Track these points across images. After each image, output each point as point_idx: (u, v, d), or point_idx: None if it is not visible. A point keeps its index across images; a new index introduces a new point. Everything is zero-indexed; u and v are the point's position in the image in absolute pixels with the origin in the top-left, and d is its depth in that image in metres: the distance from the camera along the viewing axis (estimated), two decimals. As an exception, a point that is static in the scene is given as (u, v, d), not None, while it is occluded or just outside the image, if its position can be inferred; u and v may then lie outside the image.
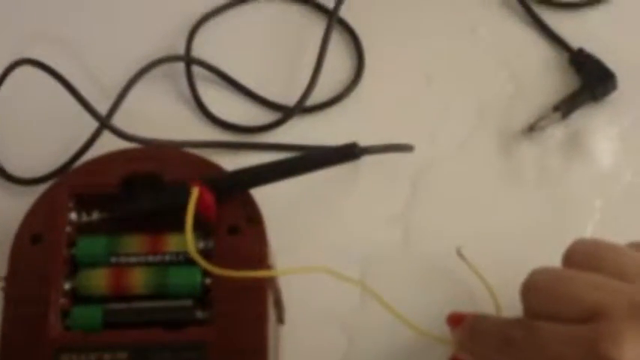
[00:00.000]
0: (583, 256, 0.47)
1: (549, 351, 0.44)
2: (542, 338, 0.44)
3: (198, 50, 0.68)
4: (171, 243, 0.51)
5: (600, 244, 0.48)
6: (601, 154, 0.62)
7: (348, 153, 0.54)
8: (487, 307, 0.54)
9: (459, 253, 0.56)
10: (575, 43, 0.66)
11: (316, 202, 0.61)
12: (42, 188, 0.53)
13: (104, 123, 0.62)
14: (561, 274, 0.47)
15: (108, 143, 0.60)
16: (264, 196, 0.52)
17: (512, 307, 0.51)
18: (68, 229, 0.51)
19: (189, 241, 0.48)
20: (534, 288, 0.47)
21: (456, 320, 0.51)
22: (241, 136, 0.64)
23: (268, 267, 0.50)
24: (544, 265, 0.47)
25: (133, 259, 0.51)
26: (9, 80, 0.63)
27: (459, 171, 0.62)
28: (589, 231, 0.60)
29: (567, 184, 0.61)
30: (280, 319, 0.55)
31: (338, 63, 0.67)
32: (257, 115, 0.65)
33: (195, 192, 0.49)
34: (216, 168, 0.53)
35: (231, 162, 0.54)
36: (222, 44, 0.68)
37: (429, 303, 0.56)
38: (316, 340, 0.57)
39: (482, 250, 0.56)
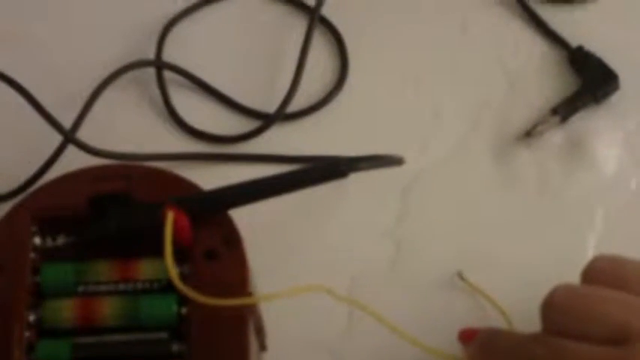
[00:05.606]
0: (605, 274, 0.46)
1: None
2: (568, 358, 0.43)
3: (170, 54, 0.66)
4: (144, 269, 0.49)
5: (622, 261, 0.47)
6: (603, 161, 0.61)
7: (335, 172, 0.52)
8: (492, 323, 0.54)
9: (461, 277, 0.56)
10: (575, 40, 0.64)
11: (299, 218, 0.60)
12: (2, 207, 0.52)
13: (69, 137, 0.60)
14: (586, 291, 0.46)
15: (74, 158, 0.58)
16: (242, 213, 0.50)
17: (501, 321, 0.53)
18: (32, 255, 0.49)
19: (171, 271, 0.46)
20: (557, 305, 0.46)
21: (468, 336, 0.51)
22: (218, 146, 0.63)
23: (249, 293, 0.48)
24: (566, 282, 0.46)
25: (102, 288, 0.49)
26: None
27: (451, 181, 0.61)
28: (590, 243, 0.58)
29: (567, 193, 0.60)
30: (262, 346, 0.54)
31: (320, 66, 0.65)
32: (235, 124, 0.64)
33: (170, 217, 0.47)
34: (189, 185, 0.51)
35: (207, 174, 0.53)
36: (196, 47, 0.67)
37: (426, 322, 0.55)
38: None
39: (479, 264, 0.56)
